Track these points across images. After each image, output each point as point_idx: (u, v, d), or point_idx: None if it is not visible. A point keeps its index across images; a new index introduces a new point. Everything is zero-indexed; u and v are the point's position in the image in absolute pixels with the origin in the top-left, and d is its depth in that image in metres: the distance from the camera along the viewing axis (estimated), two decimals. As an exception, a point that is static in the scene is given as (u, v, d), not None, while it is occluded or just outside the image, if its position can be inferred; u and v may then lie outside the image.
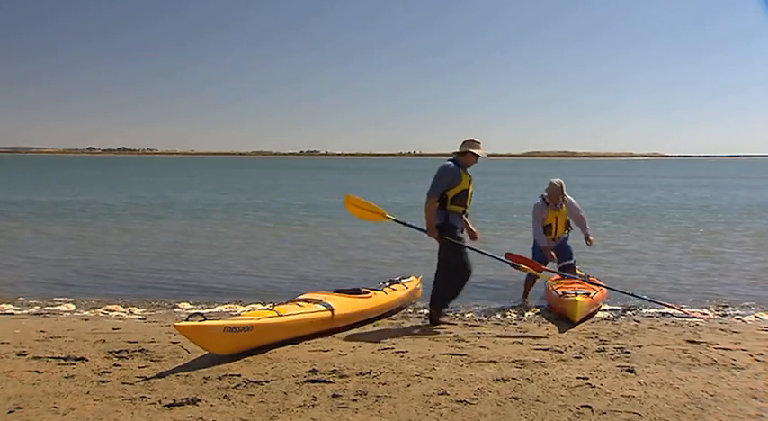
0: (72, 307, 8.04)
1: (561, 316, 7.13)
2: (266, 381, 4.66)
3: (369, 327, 6.67)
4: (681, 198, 31.63)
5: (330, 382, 4.64)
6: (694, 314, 7.45)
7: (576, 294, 7.05)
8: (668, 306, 7.65)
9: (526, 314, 7.56)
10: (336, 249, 13.46)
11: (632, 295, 7.74)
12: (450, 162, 6.80)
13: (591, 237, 8.49)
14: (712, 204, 26.54)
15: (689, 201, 29.11)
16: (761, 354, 5.48)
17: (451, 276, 6.79)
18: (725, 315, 7.57)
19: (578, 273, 8.40)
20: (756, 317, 7.46)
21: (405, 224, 7.18)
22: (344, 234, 15.88)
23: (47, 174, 59.30)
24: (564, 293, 7.27)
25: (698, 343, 5.92)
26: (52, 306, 8.08)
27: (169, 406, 4.14)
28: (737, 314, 7.60)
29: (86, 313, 7.66)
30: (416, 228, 7.01)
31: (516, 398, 4.32)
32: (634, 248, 13.52)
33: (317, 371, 4.90)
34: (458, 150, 6.84)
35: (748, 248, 13.41)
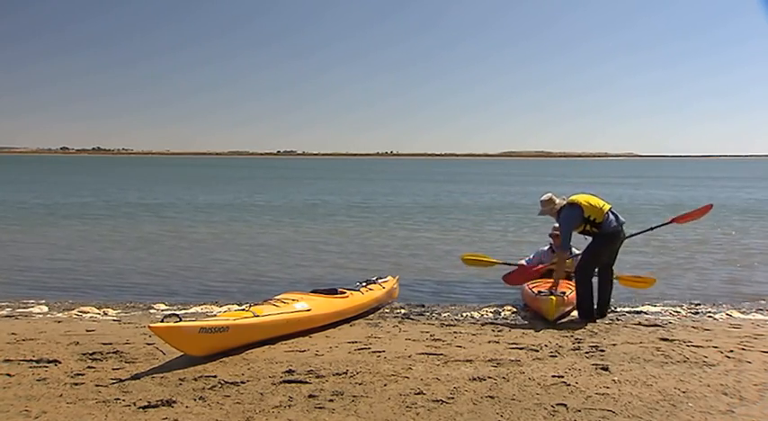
0: (45, 308, 7.92)
1: (537, 315, 7.19)
2: (242, 382, 4.65)
3: (345, 327, 6.66)
4: (646, 196, 32.05)
5: (307, 383, 4.64)
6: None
7: (552, 293, 7.10)
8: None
9: (502, 313, 7.61)
10: (311, 249, 13.43)
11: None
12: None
13: None
14: (684, 202, 26.89)
15: (657, 199, 29.47)
16: (731, 351, 5.59)
17: None
18: (697, 313, 7.68)
19: None
20: (727, 314, 7.57)
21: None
22: (318, 234, 15.91)
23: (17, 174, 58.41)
24: (539, 292, 7.33)
25: (671, 341, 6.01)
26: (24, 308, 7.94)
27: (144, 408, 4.11)
28: (709, 312, 7.71)
29: (60, 315, 7.55)
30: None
31: (492, 397, 4.35)
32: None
33: (293, 371, 4.90)
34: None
35: (719, 247, 13.60)
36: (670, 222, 8.21)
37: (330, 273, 10.63)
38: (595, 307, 7.18)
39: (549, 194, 7.40)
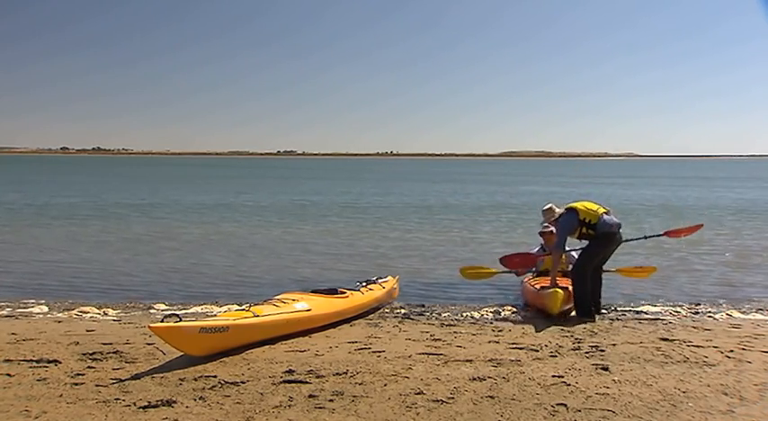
0: (45, 308, 7.91)
1: (538, 313, 7.21)
2: (242, 382, 4.65)
3: (345, 327, 6.66)
4: (637, 196, 32.03)
5: (307, 383, 4.64)
6: None
7: (556, 286, 7.16)
8: None
9: (502, 313, 7.61)
10: (311, 250, 13.42)
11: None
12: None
13: None
14: (674, 201, 26.90)
15: (647, 199, 29.45)
16: (731, 351, 5.59)
17: None
18: (697, 313, 7.68)
19: None
20: (727, 314, 7.58)
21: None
22: (319, 233, 15.90)
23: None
24: (542, 287, 7.36)
25: (671, 341, 6.01)
26: (24, 308, 7.94)
27: (144, 408, 4.11)
28: (709, 312, 7.71)
29: (60, 315, 7.55)
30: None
31: (492, 397, 4.35)
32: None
33: (293, 371, 4.89)
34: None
35: (717, 247, 13.60)
36: (662, 235, 8.72)
37: (330, 273, 10.61)
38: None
39: (550, 204, 7.94)
